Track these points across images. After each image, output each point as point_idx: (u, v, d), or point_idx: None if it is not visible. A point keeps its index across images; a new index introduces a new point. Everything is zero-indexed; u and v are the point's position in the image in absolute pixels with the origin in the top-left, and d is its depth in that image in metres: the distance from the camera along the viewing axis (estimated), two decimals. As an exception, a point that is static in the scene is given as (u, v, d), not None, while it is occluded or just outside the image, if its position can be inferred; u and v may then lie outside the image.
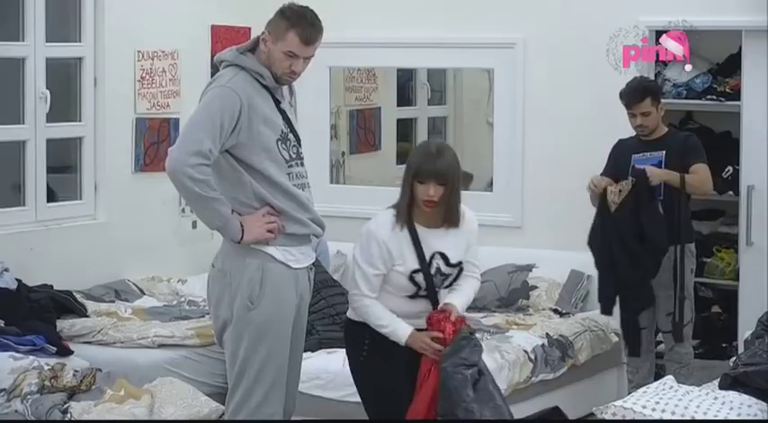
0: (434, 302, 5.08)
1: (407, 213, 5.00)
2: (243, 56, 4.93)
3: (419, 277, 5.01)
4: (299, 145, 5.03)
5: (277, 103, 4.96)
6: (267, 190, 4.87)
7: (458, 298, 5.10)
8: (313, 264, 5.10)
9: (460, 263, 5.09)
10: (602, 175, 7.02)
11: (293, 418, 5.16)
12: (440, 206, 4.99)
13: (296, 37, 4.88)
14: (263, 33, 4.94)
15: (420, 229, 5.02)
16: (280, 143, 4.90)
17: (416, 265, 5.00)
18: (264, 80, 4.91)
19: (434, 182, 4.94)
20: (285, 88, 5.05)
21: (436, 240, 5.03)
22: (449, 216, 5.02)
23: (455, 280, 5.11)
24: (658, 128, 6.98)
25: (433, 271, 5.03)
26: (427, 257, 5.01)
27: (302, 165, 5.02)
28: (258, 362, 4.87)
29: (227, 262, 4.93)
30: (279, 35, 4.89)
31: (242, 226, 4.82)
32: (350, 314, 5.15)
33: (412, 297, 5.05)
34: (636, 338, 7.00)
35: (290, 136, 4.97)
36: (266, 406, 4.90)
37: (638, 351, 7.03)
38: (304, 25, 4.90)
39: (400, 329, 4.99)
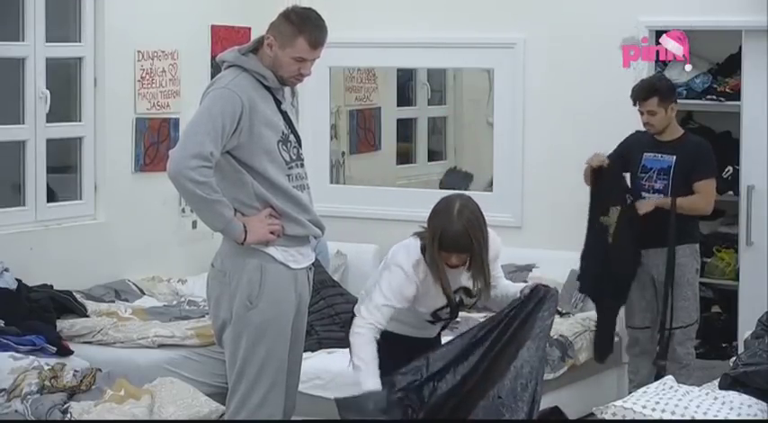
0: (445, 327, 5.11)
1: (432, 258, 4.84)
2: (245, 57, 4.91)
3: (443, 312, 4.98)
4: (300, 146, 5.02)
5: (278, 104, 4.95)
6: (268, 191, 4.87)
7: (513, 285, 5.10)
8: (312, 264, 5.10)
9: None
10: (608, 157, 6.97)
11: (293, 418, 5.16)
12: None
13: (304, 42, 4.87)
14: (267, 38, 4.91)
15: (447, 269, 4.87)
16: (280, 144, 4.89)
17: (441, 303, 4.94)
18: (266, 81, 4.90)
19: (456, 252, 4.80)
20: (287, 89, 5.04)
21: (461, 276, 4.92)
22: (477, 276, 4.87)
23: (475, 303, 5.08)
24: (671, 128, 6.88)
25: (454, 305, 4.97)
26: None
27: (302, 166, 5.01)
28: (257, 362, 4.87)
29: (226, 262, 4.92)
30: (286, 41, 4.87)
31: (245, 227, 4.82)
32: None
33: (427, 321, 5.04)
34: (606, 343, 7.05)
35: (291, 137, 4.96)
36: (266, 406, 4.90)
37: (604, 358, 7.07)
38: (311, 29, 4.88)
39: (370, 380, 4.75)
